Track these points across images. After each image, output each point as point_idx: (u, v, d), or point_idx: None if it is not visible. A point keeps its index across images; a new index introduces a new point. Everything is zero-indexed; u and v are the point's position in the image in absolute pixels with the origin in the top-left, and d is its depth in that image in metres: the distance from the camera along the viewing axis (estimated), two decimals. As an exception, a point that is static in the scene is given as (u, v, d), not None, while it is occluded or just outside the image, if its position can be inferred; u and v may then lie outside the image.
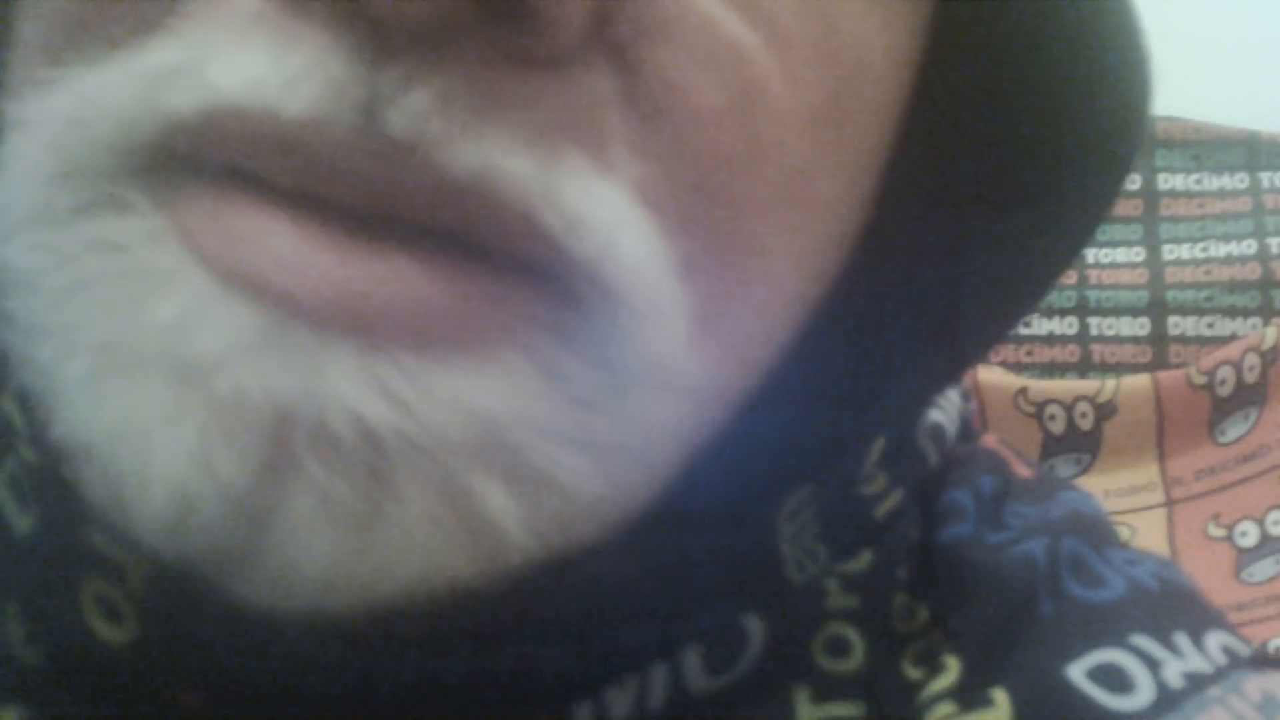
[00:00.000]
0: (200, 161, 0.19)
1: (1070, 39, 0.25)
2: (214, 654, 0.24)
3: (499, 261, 0.20)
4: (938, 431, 0.32)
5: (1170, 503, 1.07)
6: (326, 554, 0.20)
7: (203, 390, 0.19)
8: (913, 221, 0.27)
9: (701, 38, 0.20)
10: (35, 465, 0.27)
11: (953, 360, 0.29)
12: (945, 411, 0.33)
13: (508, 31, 0.18)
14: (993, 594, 0.29)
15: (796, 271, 0.23)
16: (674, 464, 0.23)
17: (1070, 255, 0.28)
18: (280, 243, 0.19)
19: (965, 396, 0.35)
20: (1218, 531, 1.04)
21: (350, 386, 0.19)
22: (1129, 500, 1.07)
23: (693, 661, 0.27)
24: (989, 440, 0.35)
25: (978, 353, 0.30)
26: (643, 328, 0.20)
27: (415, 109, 0.18)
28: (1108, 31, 0.25)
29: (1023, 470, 0.34)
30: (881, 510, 0.30)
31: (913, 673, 0.28)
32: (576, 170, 0.19)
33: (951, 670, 0.28)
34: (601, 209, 0.19)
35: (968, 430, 0.34)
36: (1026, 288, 0.29)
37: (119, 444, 0.19)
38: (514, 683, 0.25)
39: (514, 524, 0.20)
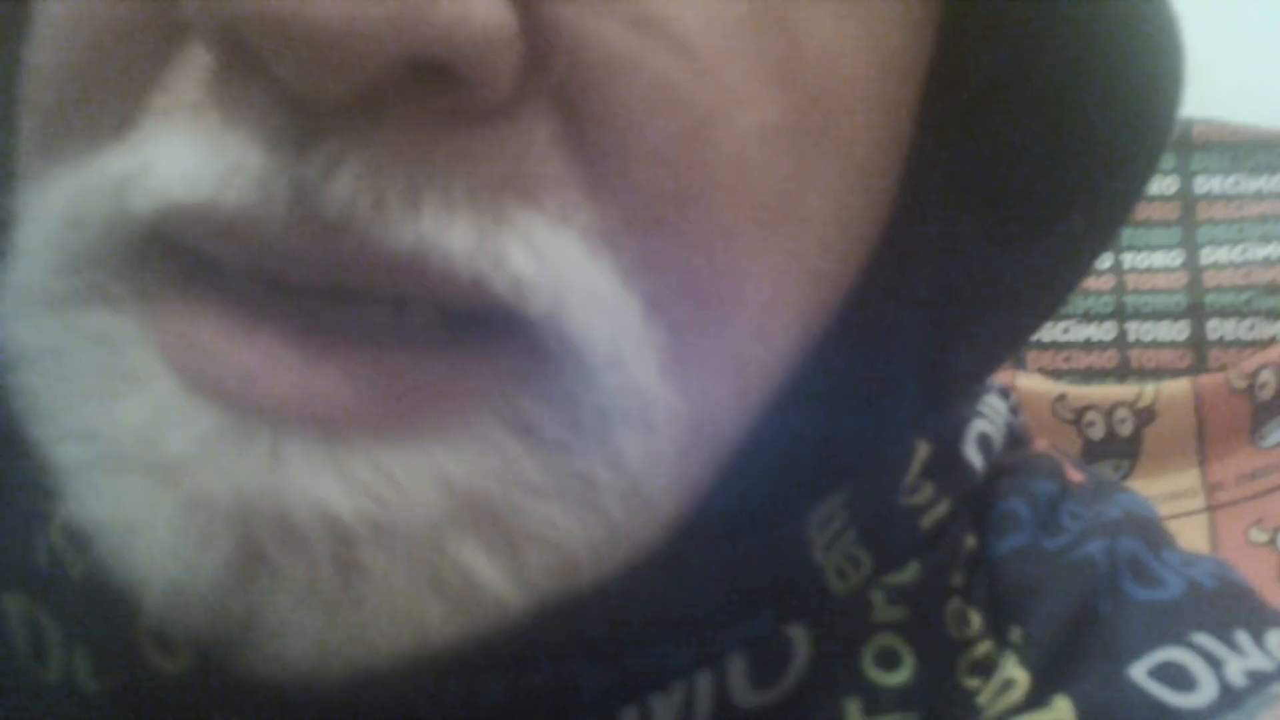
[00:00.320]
0: (170, 253, 0.20)
1: (1103, 34, 0.25)
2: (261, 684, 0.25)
3: (459, 322, 0.20)
4: (985, 441, 0.32)
5: (1211, 508, 1.06)
6: (312, 637, 0.20)
7: (174, 490, 0.19)
8: (940, 220, 0.27)
9: (638, 77, 0.20)
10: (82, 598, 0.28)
11: (981, 360, 0.29)
12: (992, 421, 0.33)
13: (438, 91, 0.18)
14: (1055, 605, 0.29)
15: (785, 289, 0.23)
16: (690, 484, 0.23)
17: (1098, 251, 0.28)
18: (244, 353, 0.19)
19: (1014, 410, 0.35)
20: (1260, 536, 1.03)
21: (313, 481, 0.19)
22: (1170, 506, 1.06)
23: (737, 671, 0.27)
24: (1040, 445, 0.35)
25: (1007, 352, 0.30)
26: (609, 371, 0.20)
27: (342, 190, 0.18)
28: (1142, 26, 0.25)
29: (1075, 474, 0.34)
30: (928, 520, 0.30)
31: (969, 682, 0.28)
32: (523, 226, 0.19)
33: (1020, 685, 0.28)
34: (550, 264, 0.19)
35: (1016, 439, 0.34)
36: (1053, 285, 0.28)
37: (112, 533, 0.20)
38: (556, 699, 0.25)
39: (501, 584, 0.20)
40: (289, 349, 0.19)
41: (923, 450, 0.31)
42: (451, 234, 0.19)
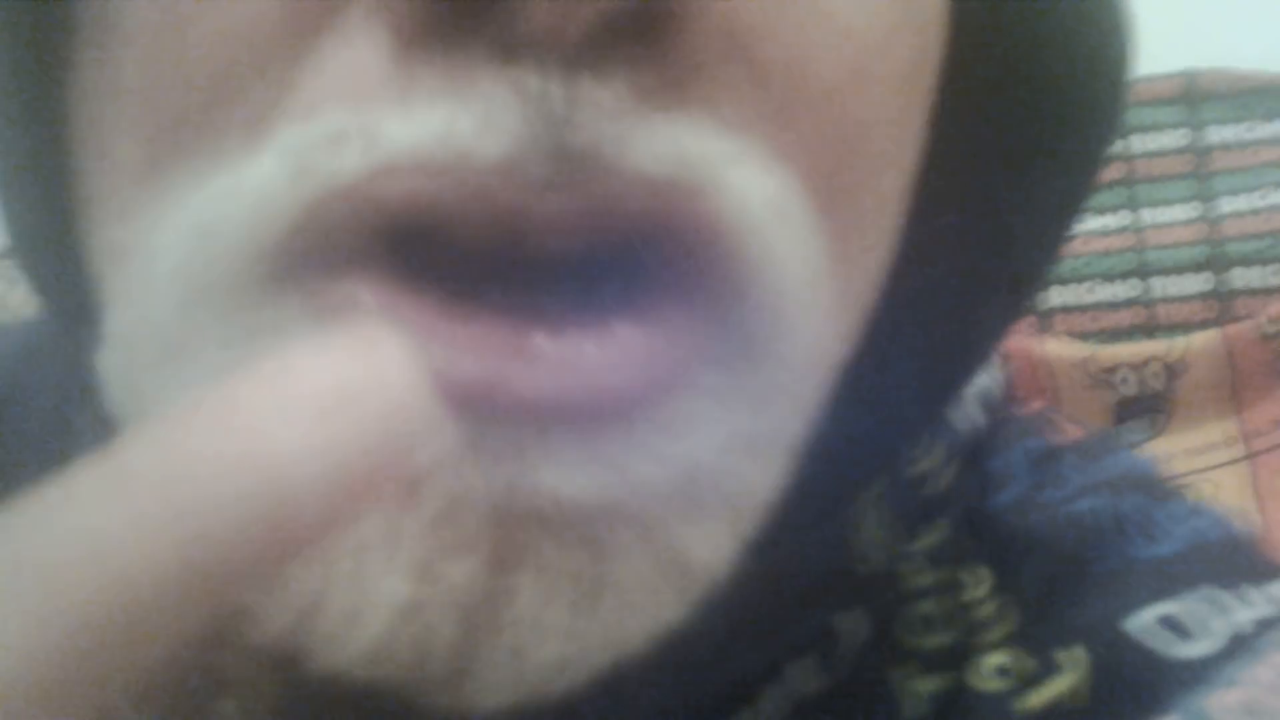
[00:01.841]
0: (351, 244, 0.18)
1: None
2: None
3: (671, 295, 0.20)
4: (986, 396, 0.33)
5: (1250, 455, 1.06)
6: (557, 638, 0.19)
7: (417, 503, 0.18)
8: (945, 172, 0.27)
9: (816, 15, 0.20)
10: None
11: (1002, 311, 0.30)
12: (989, 374, 0.33)
13: (647, 43, 0.18)
14: (1047, 550, 0.29)
15: (890, 226, 0.24)
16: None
17: (1075, 206, 0.29)
18: (473, 362, 0.18)
19: (1002, 356, 0.35)
20: (1301, 480, 1.03)
21: (560, 475, 0.19)
22: (1207, 457, 1.06)
23: (797, 671, 0.27)
24: (1034, 406, 0.36)
25: (1026, 300, 0.30)
26: (802, 322, 0.20)
27: (598, 123, 0.18)
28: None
29: (1072, 430, 0.34)
30: (943, 483, 0.30)
31: (981, 639, 0.29)
32: (742, 159, 0.19)
33: (1008, 621, 0.28)
34: (766, 193, 0.20)
35: (1009, 392, 0.35)
36: (1053, 225, 0.29)
37: (316, 574, 0.18)
38: None
39: (716, 560, 0.21)
40: (518, 346, 0.19)
41: None
42: (695, 157, 0.19)
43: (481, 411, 0.18)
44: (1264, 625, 0.27)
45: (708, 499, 0.20)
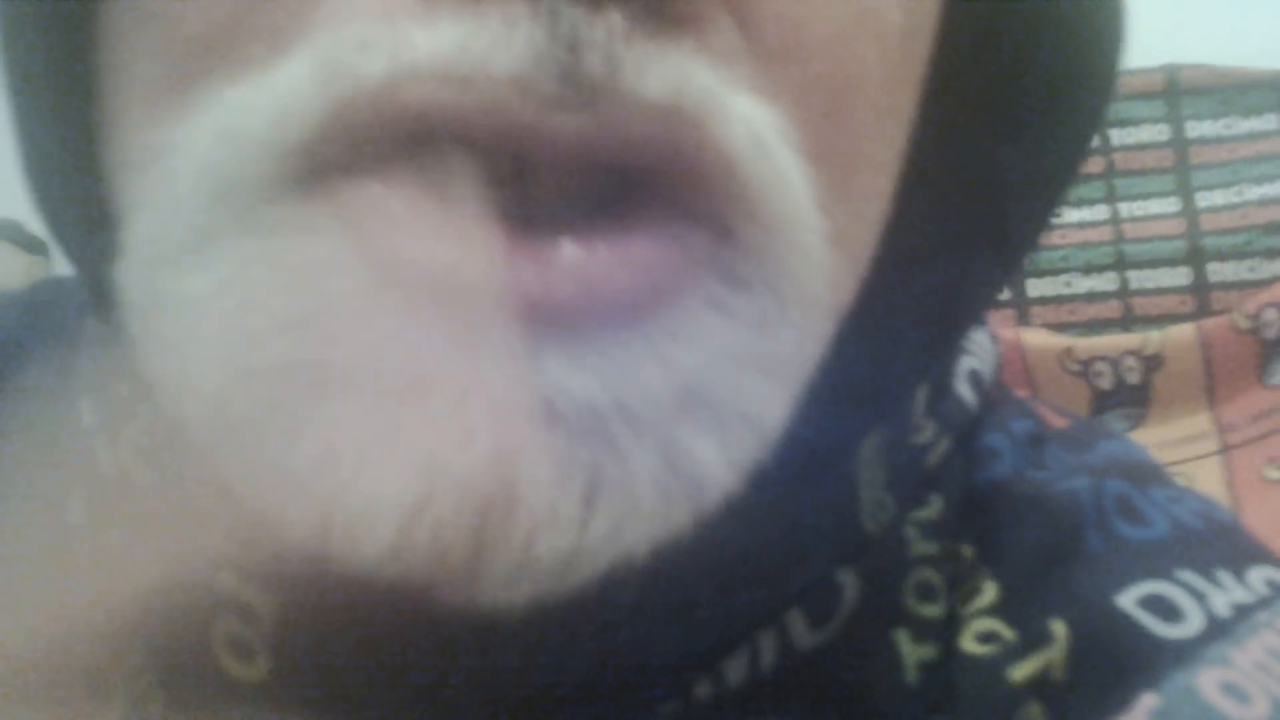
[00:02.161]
0: (375, 148, 0.19)
1: None
2: (350, 682, 0.25)
3: (671, 214, 0.20)
4: (976, 378, 0.33)
5: (1225, 449, 1.07)
6: (559, 536, 0.19)
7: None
8: (944, 126, 0.27)
9: None
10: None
11: (988, 282, 0.30)
12: (980, 357, 0.34)
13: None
14: (1033, 521, 0.29)
15: (887, 179, 0.25)
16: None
17: (1081, 151, 0.30)
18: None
19: (994, 340, 0.35)
20: (1275, 473, 1.04)
21: (562, 373, 0.19)
22: (1183, 450, 1.07)
23: (796, 620, 0.28)
24: (1021, 394, 0.36)
25: (1009, 274, 0.31)
26: (797, 258, 0.21)
27: (607, 48, 0.18)
28: None
29: (1059, 420, 0.35)
30: (933, 458, 0.31)
31: (965, 608, 0.29)
32: (739, 102, 0.20)
33: (988, 592, 0.29)
34: (772, 129, 0.20)
35: (998, 380, 0.35)
36: (1049, 183, 0.30)
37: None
38: (636, 666, 0.26)
39: (722, 468, 0.21)
40: (522, 253, 0.19)
41: (922, 388, 0.31)
42: (698, 78, 0.19)
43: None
44: (1242, 610, 0.27)
45: (714, 408, 0.20)
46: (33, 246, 1.34)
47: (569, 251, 0.19)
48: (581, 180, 0.20)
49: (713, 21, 0.20)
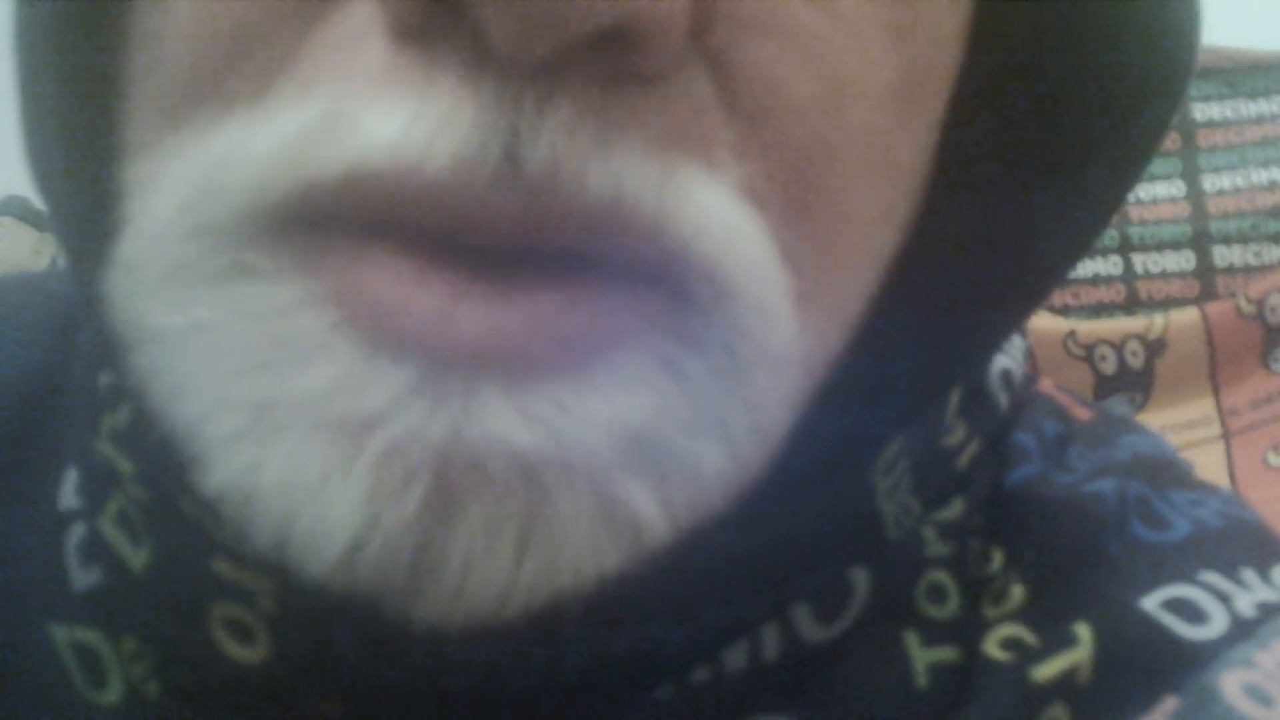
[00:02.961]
0: (338, 220, 0.20)
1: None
2: (351, 663, 0.25)
3: (623, 275, 0.20)
4: (1007, 378, 0.33)
5: (1227, 434, 1.07)
6: (491, 577, 0.20)
7: (365, 446, 0.19)
8: (972, 169, 0.27)
9: (791, 34, 0.21)
10: (147, 502, 0.28)
11: (1018, 304, 0.30)
12: (1011, 356, 0.34)
13: (613, 54, 0.19)
14: (1060, 526, 0.30)
15: (881, 231, 0.24)
16: (783, 428, 0.24)
17: (1120, 197, 0.29)
18: (425, 301, 0.19)
19: (1023, 335, 0.36)
20: (1277, 459, 1.04)
21: (503, 423, 0.19)
22: (1186, 435, 1.07)
23: (803, 614, 0.28)
24: (1045, 385, 0.36)
25: (1042, 297, 0.31)
26: (755, 317, 0.21)
27: (550, 142, 0.19)
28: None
29: (1082, 413, 0.35)
30: (964, 460, 0.31)
31: (991, 613, 0.29)
32: (692, 178, 0.20)
33: (1015, 596, 0.29)
34: (718, 213, 0.20)
35: (1028, 376, 0.35)
36: (1078, 233, 0.29)
37: (286, 497, 0.20)
38: (634, 663, 0.26)
39: (658, 517, 0.21)
40: (469, 296, 0.20)
41: (955, 390, 0.31)
42: (640, 178, 0.19)
43: (428, 357, 0.19)
44: (1267, 610, 0.27)
45: (655, 462, 0.21)
46: (41, 222, 1.34)
47: (517, 300, 0.20)
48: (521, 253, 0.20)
49: (685, 92, 0.20)
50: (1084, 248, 0.30)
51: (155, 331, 0.21)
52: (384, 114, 0.19)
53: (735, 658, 0.28)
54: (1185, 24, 0.27)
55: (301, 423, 0.20)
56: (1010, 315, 0.30)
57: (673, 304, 0.21)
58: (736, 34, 0.20)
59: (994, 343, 0.31)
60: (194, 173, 0.21)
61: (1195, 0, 0.27)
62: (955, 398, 0.31)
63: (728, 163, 0.21)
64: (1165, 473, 0.32)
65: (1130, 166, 0.28)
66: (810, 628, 0.28)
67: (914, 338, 0.27)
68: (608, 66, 0.19)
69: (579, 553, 0.21)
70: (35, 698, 0.29)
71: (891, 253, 0.25)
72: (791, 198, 0.21)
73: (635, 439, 0.20)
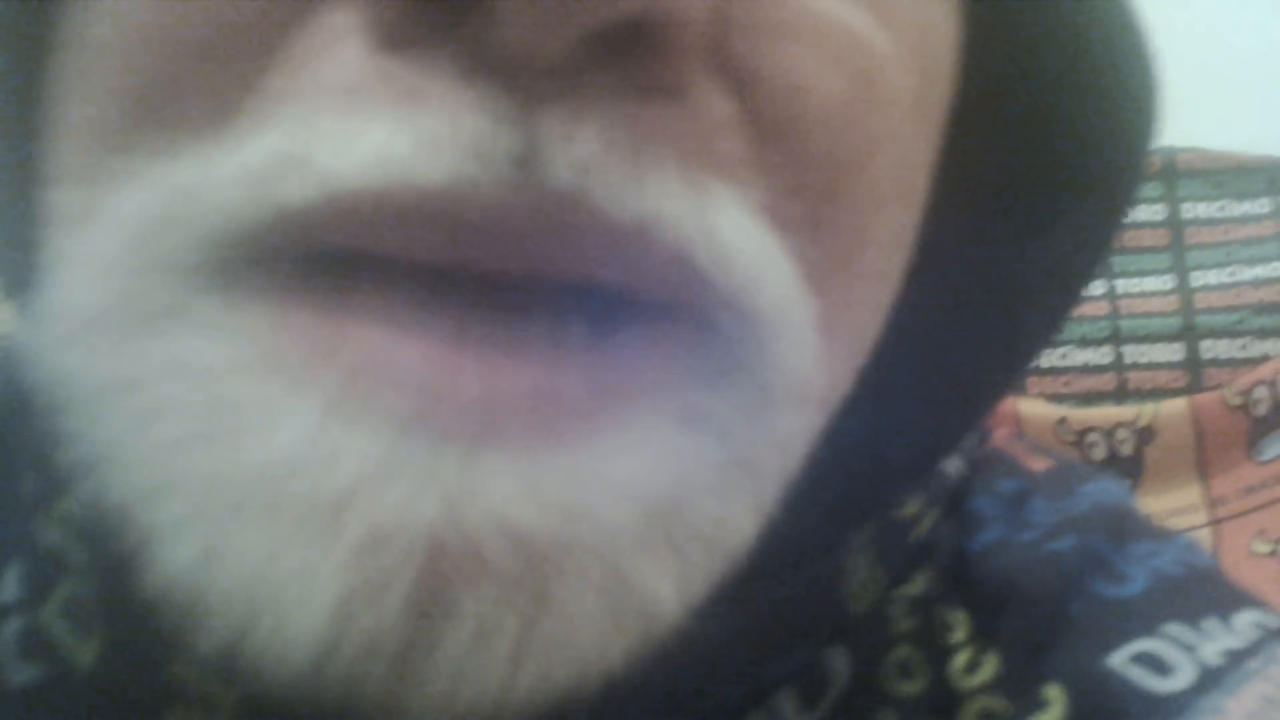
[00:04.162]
0: (314, 254, 0.18)
1: (1084, 52, 0.26)
2: None
3: (641, 307, 0.19)
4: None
5: (1215, 522, 1.08)
6: (486, 683, 0.18)
7: (336, 532, 0.16)
8: (943, 224, 0.26)
9: (816, 32, 0.19)
10: (97, 594, 0.25)
11: (994, 378, 0.29)
12: None
13: (631, 61, 0.17)
14: (1025, 592, 0.29)
15: (894, 259, 0.23)
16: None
17: (1092, 265, 0.28)
18: (412, 353, 0.17)
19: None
20: (1263, 547, 1.05)
21: (507, 499, 0.17)
22: (1174, 522, 1.08)
23: (788, 700, 0.27)
24: (999, 438, 0.35)
25: (1018, 370, 0.30)
26: (780, 346, 0.19)
27: (581, 155, 0.16)
28: (1121, 46, 0.26)
29: (1039, 464, 0.34)
30: (920, 531, 0.30)
31: (965, 684, 0.29)
32: (718, 199, 0.18)
33: (989, 665, 0.28)
34: (744, 237, 0.18)
35: (980, 435, 0.34)
36: (1048, 305, 0.29)
37: (245, 595, 0.17)
38: None
39: (671, 597, 0.19)
40: (464, 350, 0.17)
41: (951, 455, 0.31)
42: (673, 204, 0.17)
43: (415, 429, 0.17)
44: (1233, 657, 0.27)
45: (670, 532, 0.18)
46: None
47: (521, 354, 0.17)
48: (522, 286, 0.18)
49: (706, 101, 0.18)
50: (1070, 303, 0.29)
51: (78, 389, 0.18)
52: (357, 133, 0.16)
53: None
54: (1145, 99, 0.27)
55: (257, 505, 0.17)
56: (994, 384, 0.29)
57: (696, 337, 0.19)
58: (756, 39, 0.18)
59: (991, 399, 0.30)
60: (151, 200, 0.18)
61: (1154, 83, 0.27)
62: None
63: (751, 181, 0.19)
64: (1123, 523, 0.31)
65: (1110, 215, 0.28)
66: (796, 714, 0.27)
67: (923, 383, 0.27)
68: (627, 75, 0.17)
69: (585, 649, 0.18)
70: None
71: (896, 291, 0.24)
72: (814, 213, 0.20)
73: (655, 508, 0.18)
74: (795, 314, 0.19)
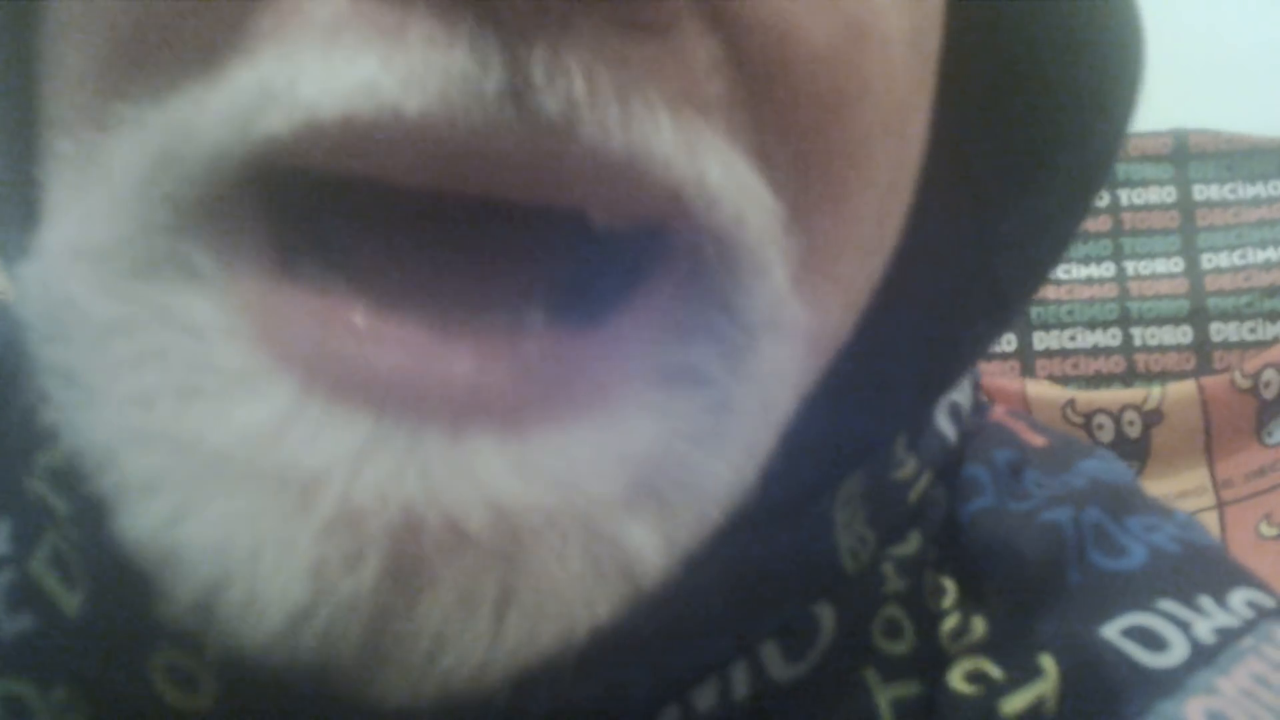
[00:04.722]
0: (302, 177, 0.18)
1: (1068, 7, 0.26)
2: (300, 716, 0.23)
3: (629, 242, 0.19)
4: (955, 409, 0.33)
5: (1221, 505, 1.09)
6: (466, 648, 0.18)
7: (308, 508, 0.17)
8: (938, 176, 0.26)
9: None
10: (79, 543, 0.25)
11: (987, 328, 0.30)
12: (960, 389, 0.33)
13: (617, 1, 0.17)
14: (1018, 558, 0.29)
15: (891, 205, 0.23)
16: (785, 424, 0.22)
17: (1087, 202, 0.29)
18: (383, 341, 0.17)
19: (976, 377, 0.35)
20: (1270, 530, 1.06)
21: (495, 477, 0.17)
22: (1180, 505, 1.08)
23: (772, 653, 0.27)
24: (998, 413, 0.35)
25: (1009, 319, 0.30)
26: (764, 284, 0.19)
27: (568, 90, 0.17)
28: (1105, 3, 0.26)
29: (1037, 439, 0.34)
30: (914, 494, 0.30)
31: (952, 646, 0.29)
32: (706, 137, 0.18)
33: (977, 629, 0.28)
34: (732, 178, 0.19)
35: (978, 406, 0.34)
36: (1048, 240, 0.29)
37: (214, 561, 0.17)
38: (601, 708, 0.25)
39: (656, 552, 0.19)
40: (439, 334, 0.17)
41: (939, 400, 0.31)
42: (660, 139, 0.17)
43: (396, 412, 0.17)
44: (1226, 635, 0.27)
45: (658, 491, 0.19)
46: None
47: (506, 339, 0.18)
48: (513, 232, 0.18)
49: (690, 29, 0.18)
50: (1052, 261, 0.29)
51: (69, 326, 0.18)
52: (341, 64, 0.17)
53: (704, 698, 0.26)
54: (1130, 36, 0.27)
55: (234, 472, 0.17)
56: (979, 336, 0.30)
57: (679, 289, 0.19)
58: None
59: (982, 345, 0.30)
60: (147, 142, 0.18)
61: (1137, 15, 0.27)
62: (903, 432, 0.31)
63: (738, 121, 0.19)
64: (1121, 497, 0.32)
65: (1098, 168, 0.28)
66: (779, 666, 0.27)
67: (910, 335, 0.27)
68: (614, 12, 0.17)
69: (569, 606, 0.18)
70: None
71: (896, 240, 0.24)
72: (802, 154, 0.20)
73: (641, 471, 0.18)
74: (772, 250, 0.20)
